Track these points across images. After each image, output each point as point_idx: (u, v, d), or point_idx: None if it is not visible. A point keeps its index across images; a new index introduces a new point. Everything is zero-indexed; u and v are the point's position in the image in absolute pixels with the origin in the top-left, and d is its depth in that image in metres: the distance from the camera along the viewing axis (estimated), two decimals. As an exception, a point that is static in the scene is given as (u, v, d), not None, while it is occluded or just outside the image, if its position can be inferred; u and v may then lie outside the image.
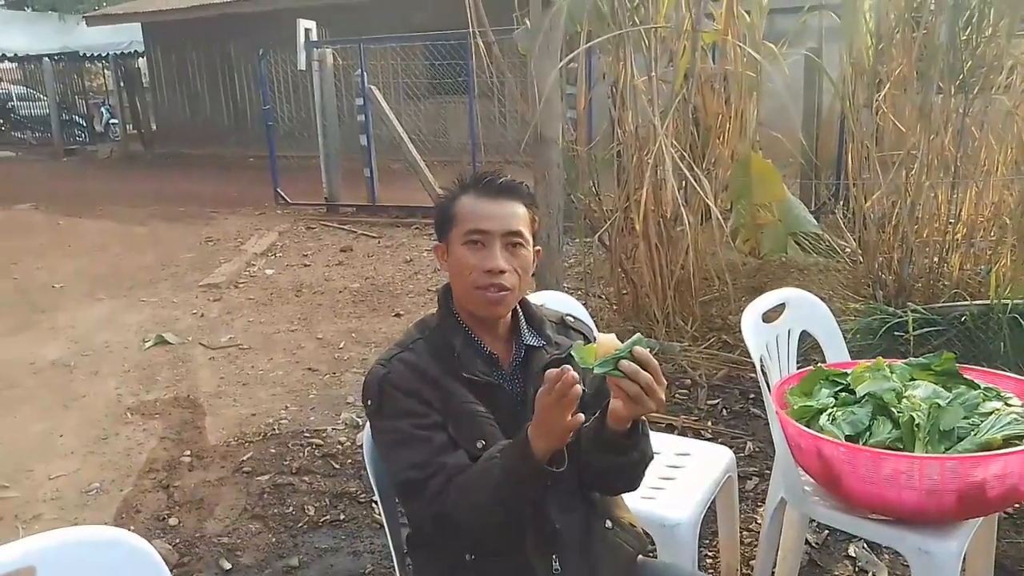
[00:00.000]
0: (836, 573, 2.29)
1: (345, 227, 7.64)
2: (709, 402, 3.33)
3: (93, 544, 1.22)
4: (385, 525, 1.53)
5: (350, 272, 6.05)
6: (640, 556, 1.54)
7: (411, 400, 1.41)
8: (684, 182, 3.70)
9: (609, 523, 1.50)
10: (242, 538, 2.62)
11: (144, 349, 4.42)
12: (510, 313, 1.49)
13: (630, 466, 1.43)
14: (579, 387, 1.23)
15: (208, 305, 5.26)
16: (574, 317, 1.62)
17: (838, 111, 4.96)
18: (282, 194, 8.82)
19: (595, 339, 1.35)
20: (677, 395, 3.39)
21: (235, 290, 5.63)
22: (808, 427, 1.77)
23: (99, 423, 3.51)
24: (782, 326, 2.20)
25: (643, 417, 1.36)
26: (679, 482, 1.99)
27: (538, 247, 1.50)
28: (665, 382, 1.31)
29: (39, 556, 1.18)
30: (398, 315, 4.92)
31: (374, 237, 7.22)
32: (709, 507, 1.96)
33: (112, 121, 17.57)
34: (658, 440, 2.19)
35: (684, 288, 3.87)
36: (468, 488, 1.33)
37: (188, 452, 3.22)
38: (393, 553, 1.53)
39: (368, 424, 1.51)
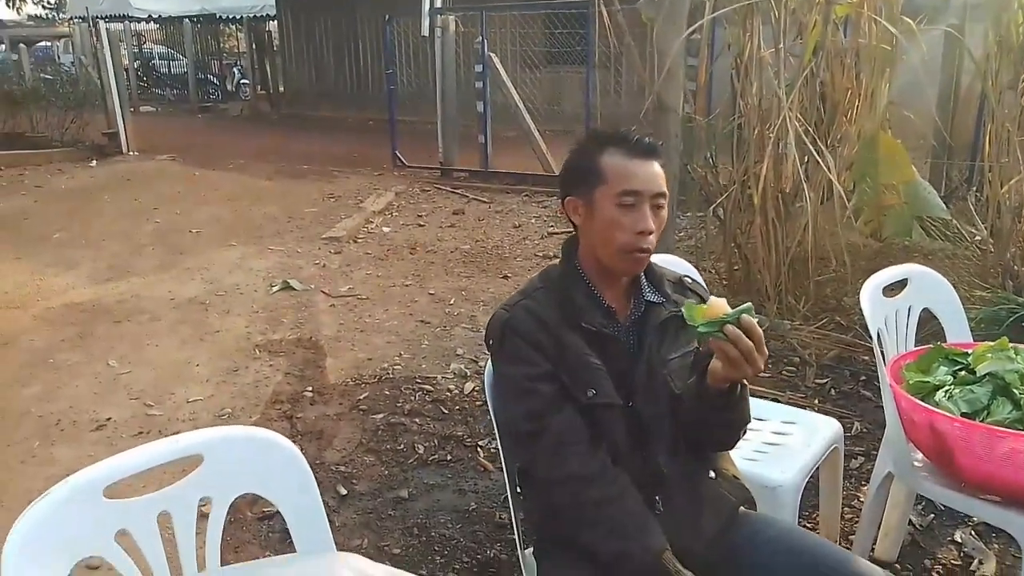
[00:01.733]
0: (939, 556, 2.26)
1: (458, 191, 7.82)
2: (817, 381, 3.29)
3: (255, 442, 1.39)
4: (500, 452, 1.64)
5: (461, 234, 6.22)
6: (742, 508, 1.60)
7: (527, 347, 1.50)
8: (807, 158, 3.63)
9: (713, 473, 1.56)
10: (357, 468, 2.81)
11: (271, 293, 4.72)
12: None
13: (726, 424, 1.49)
14: None
15: (329, 257, 5.55)
16: (691, 279, 1.67)
17: (978, 91, 4.71)
18: (400, 156, 9.12)
19: (707, 301, 1.40)
20: (784, 372, 3.37)
21: (354, 244, 5.91)
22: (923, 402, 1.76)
23: (231, 356, 3.80)
24: (902, 302, 2.17)
25: (744, 381, 1.42)
26: (783, 448, 2.02)
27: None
28: (767, 352, 1.36)
29: (208, 446, 1.35)
30: (505, 277, 5.05)
31: (485, 202, 7.36)
32: (812, 478, 1.98)
33: (243, 81, 18.51)
34: (764, 407, 2.22)
35: (799, 266, 3.81)
36: (582, 510, 1.43)
37: (310, 388, 3.45)
38: (507, 480, 1.64)
39: (490, 362, 1.62)
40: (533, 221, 6.57)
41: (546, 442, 1.47)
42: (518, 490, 1.65)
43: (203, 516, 1.34)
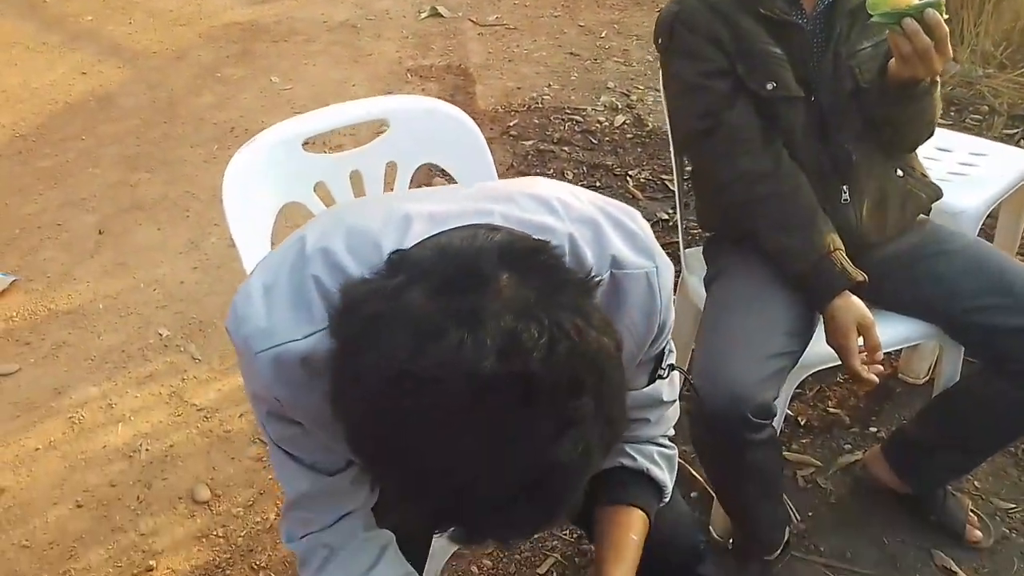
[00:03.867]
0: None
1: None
2: (1006, 131, 3.00)
3: (435, 113, 1.42)
4: (671, 149, 1.63)
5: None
6: (926, 217, 1.54)
7: (699, 40, 1.41)
8: None
9: (900, 172, 1.49)
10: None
11: (419, 19, 4.64)
12: None
13: (909, 121, 1.41)
14: None
15: (476, -15, 5.32)
16: None
17: None
18: None
19: None
20: (969, 120, 3.09)
21: (501, -26, 5.61)
22: None
23: (384, 79, 3.85)
24: None
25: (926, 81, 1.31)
26: (969, 177, 1.89)
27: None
28: (949, 54, 1.25)
29: (393, 113, 1.39)
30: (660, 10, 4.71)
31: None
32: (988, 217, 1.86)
33: None
34: (953, 138, 2.06)
35: (1005, 6, 3.35)
36: (751, 206, 1.41)
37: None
38: (675, 178, 1.64)
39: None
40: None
41: (718, 140, 1.43)
42: (688, 189, 1.66)
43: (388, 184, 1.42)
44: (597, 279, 0.68)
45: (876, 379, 1.31)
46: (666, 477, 1.03)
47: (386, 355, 0.59)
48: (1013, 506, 1.76)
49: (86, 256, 2.66)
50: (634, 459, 1.00)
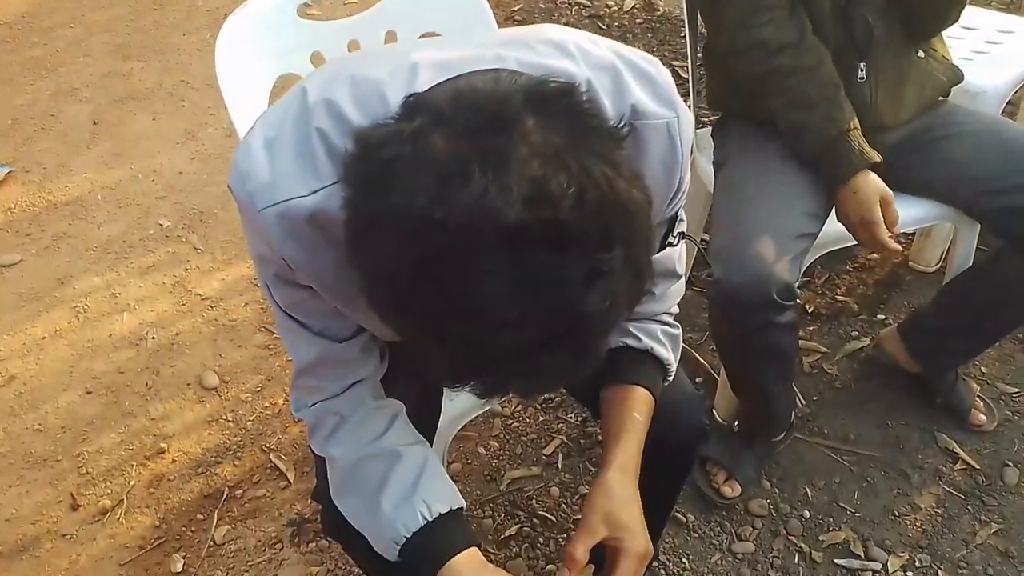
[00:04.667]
0: None
1: None
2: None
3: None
4: (685, 18, 1.55)
5: None
6: (944, 99, 1.48)
7: None
8: None
9: (921, 52, 1.43)
10: None
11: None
12: None
13: None
14: None
15: None
16: None
17: None
18: None
19: None
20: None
21: None
22: None
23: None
24: None
25: None
26: (993, 55, 1.81)
27: None
28: None
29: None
30: None
31: None
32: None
33: None
34: (979, 15, 1.96)
35: None
36: (769, 78, 1.34)
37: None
38: (688, 42, 1.57)
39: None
40: None
41: (740, 4, 1.35)
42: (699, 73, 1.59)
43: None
44: (625, 128, 0.64)
45: (900, 247, 1.28)
46: (670, 356, 1.02)
47: (407, 199, 0.56)
48: (1017, 390, 1.77)
49: (82, 147, 2.60)
50: (639, 339, 0.99)
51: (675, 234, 0.93)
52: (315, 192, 0.70)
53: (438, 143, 0.57)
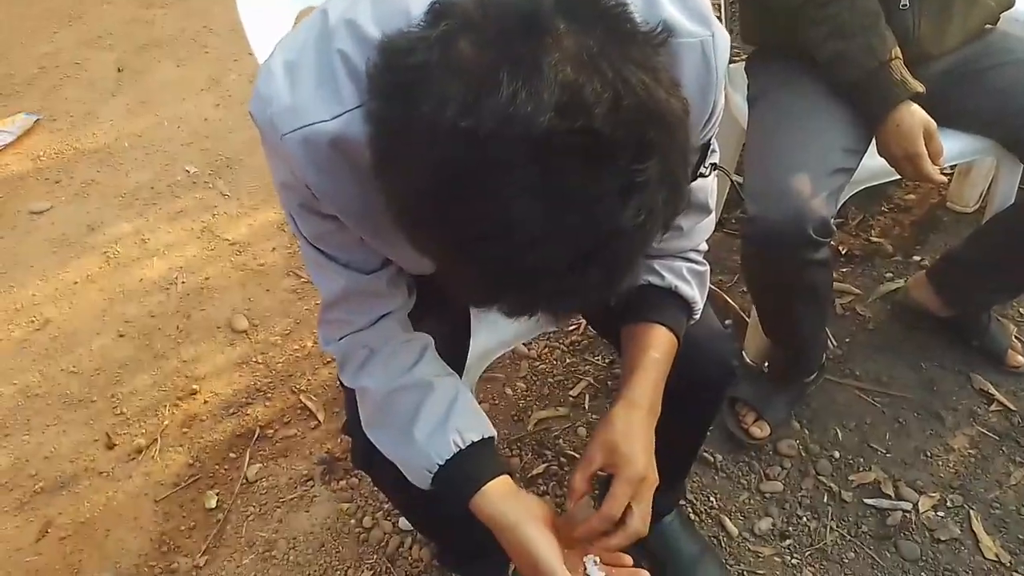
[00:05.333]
0: None
1: None
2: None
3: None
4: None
5: None
6: (997, 24, 1.42)
7: None
8: None
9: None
10: None
11: None
12: None
13: None
14: None
15: None
16: None
17: None
18: None
19: None
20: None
21: None
22: None
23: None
24: None
25: None
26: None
27: None
28: None
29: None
30: None
31: None
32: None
33: None
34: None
35: None
36: (813, 8, 1.29)
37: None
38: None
39: None
40: None
41: None
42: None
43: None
44: (664, 34, 0.61)
45: (945, 179, 1.24)
46: (695, 294, 0.99)
47: (434, 108, 0.54)
48: (1057, 331, 1.73)
49: (107, 95, 2.60)
50: (662, 277, 0.96)
51: (707, 164, 0.90)
52: (337, 116, 0.69)
53: (466, 50, 0.55)
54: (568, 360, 1.76)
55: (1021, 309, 1.77)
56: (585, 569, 0.83)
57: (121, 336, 1.89)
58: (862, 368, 1.70)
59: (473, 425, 0.87)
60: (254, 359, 1.82)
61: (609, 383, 1.72)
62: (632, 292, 0.96)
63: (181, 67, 2.68)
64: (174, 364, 1.82)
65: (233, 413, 1.72)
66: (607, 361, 1.76)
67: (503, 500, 0.84)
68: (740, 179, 1.39)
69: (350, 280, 0.86)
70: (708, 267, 1.02)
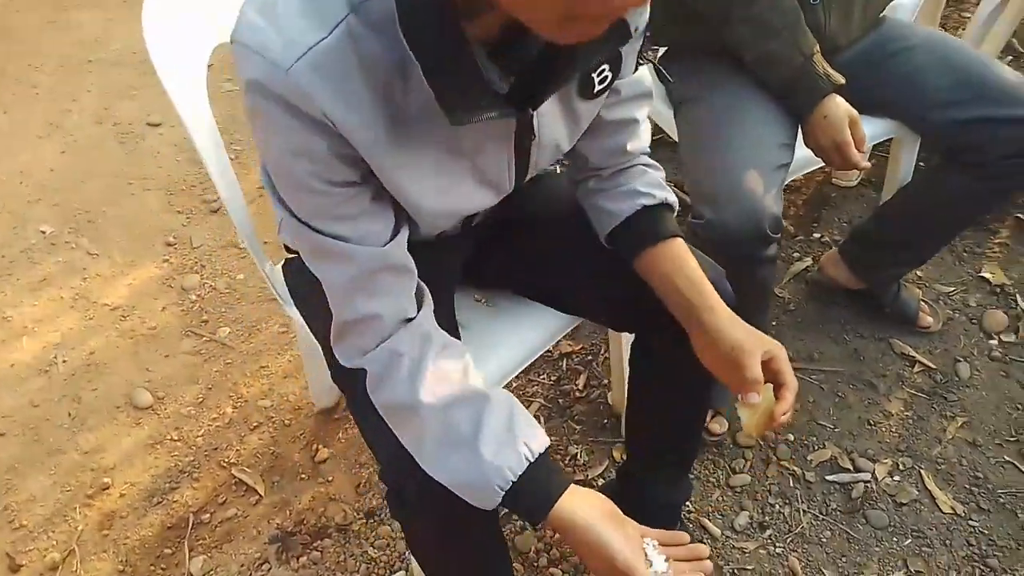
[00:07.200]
0: None
1: None
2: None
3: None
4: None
5: None
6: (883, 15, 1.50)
7: None
8: None
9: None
10: None
11: None
12: None
13: None
14: None
15: None
16: None
17: None
18: None
19: None
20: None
21: None
22: None
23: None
24: None
25: None
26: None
27: None
28: None
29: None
30: None
31: None
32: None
33: None
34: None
35: None
36: (739, 10, 1.32)
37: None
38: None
39: None
40: None
41: None
42: None
43: None
44: None
45: (869, 164, 1.30)
46: (674, 198, 1.03)
47: None
48: (952, 289, 1.87)
49: (-79, 154, 2.25)
50: (652, 196, 1.00)
51: (645, 52, 0.92)
52: (333, 30, 0.67)
53: None
54: (514, 384, 1.71)
55: (919, 273, 1.90)
56: (647, 555, 0.82)
57: (1, 435, 1.63)
58: (792, 348, 1.76)
59: (536, 435, 0.83)
60: (168, 437, 1.63)
61: (560, 401, 1.68)
62: (632, 221, 1.00)
63: (9, 113, 2.36)
64: (74, 458, 1.59)
65: (158, 503, 1.52)
66: (553, 379, 1.72)
67: (575, 505, 0.81)
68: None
69: (363, 258, 0.80)
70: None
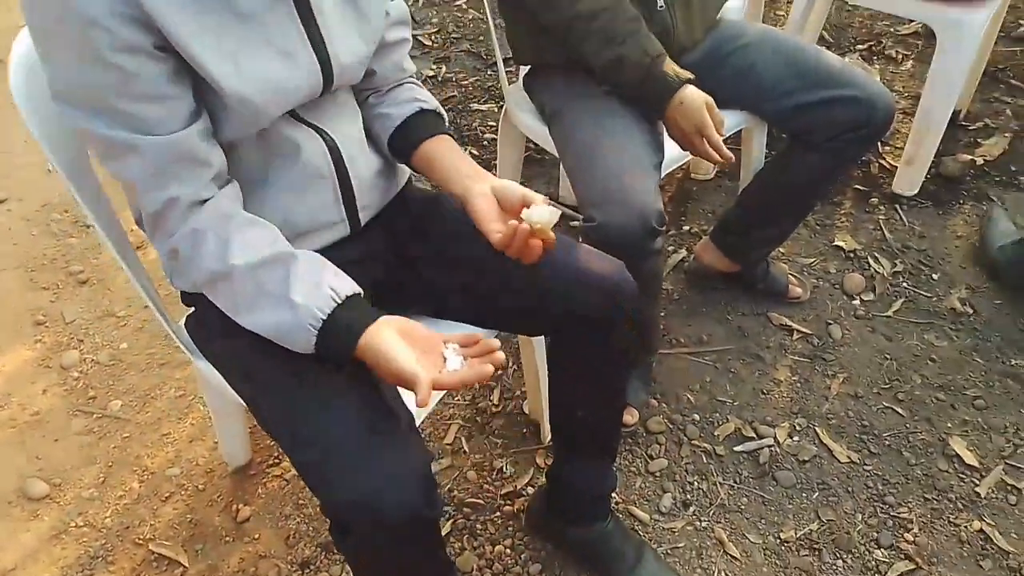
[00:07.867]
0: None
1: None
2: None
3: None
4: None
5: None
6: (721, 15, 1.63)
7: None
8: None
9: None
10: None
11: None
12: None
13: None
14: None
15: None
16: None
17: None
18: None
19: None
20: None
21: None
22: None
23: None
24: None
25: None
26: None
27: None
28: None
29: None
30: None
31: None
32: None
33: None
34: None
35: None
36: (575, 23, 1.42)
37: None
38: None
39: None
40: None
41: None
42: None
43: None
44: None
45: (733, 156, 1.40)
46: (444, 112, 1.18)
47: None
48: (812, 260, 2.05)
49: None
50: (427, 102, 1.15)
51: None
52: None
53: None
54: (431, 409, 1.72)
55: (781, 249, 2.06)
56: (444, 357, 0.89)
57: None
58: (683, 335, 1.88)
59: (344, 283, 0.91)
60: (72, 524, 1.53)
61: (479, 419, 1.71)
62: (410, 121, 1.12)
63: None
64: (-33, 565, 1.46)
65: (73, 595, 1.43)
66: (468, 399, 1.74)
67: (380, 334, 0.87)
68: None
69: (158, 148, 0.85)
70: None
